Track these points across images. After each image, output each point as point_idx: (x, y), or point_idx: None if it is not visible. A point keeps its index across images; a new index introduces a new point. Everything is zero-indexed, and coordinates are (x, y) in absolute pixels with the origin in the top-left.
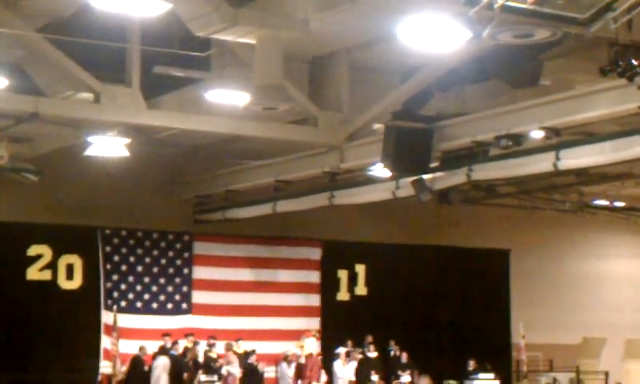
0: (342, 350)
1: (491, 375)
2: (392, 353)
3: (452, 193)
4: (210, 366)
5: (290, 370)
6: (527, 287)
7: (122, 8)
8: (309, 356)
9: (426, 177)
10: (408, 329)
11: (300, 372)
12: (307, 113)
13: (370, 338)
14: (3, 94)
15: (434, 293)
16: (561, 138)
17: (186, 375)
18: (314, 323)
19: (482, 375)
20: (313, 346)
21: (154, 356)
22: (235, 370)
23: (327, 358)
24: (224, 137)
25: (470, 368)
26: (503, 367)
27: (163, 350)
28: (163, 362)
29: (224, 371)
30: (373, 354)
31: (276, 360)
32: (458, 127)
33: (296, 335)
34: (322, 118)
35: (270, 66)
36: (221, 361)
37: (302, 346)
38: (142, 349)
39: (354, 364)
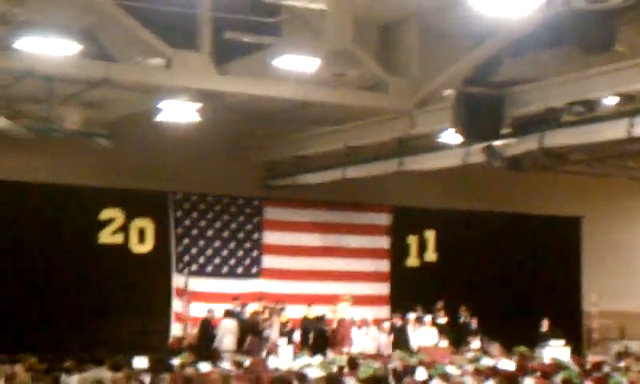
0: (411, 316)
1: (562, 342)
2: (461, 319)
3: (523, 159)
4: (281, 330)
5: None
6: (599, 254)
7: None
8: (341, 321)
9: (497, 143)
10: (478, 295)
11: (333, 337)
12: (377, 78)
13: (440, 304)
14: (75, 59)
15: (504, 260)
16: (635, 105)
17: (249, 339)
18: (383, 289)
19: (552, 342)
20: (346, 311)
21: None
22: (274, 335)
23: (396, 324)
24: (294, 103)
25: (543, 329)
26: (574, 335)
27: (229, 313)
28: (229, 325)
29: (265, 335)
30: (442, 320)
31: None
32: (530, 93)
33: (364, 300)
34: (392, 83)
35: (341, 31)
36: (265, 324)
37: (335, 311)
38: (210, 311)
39: (423, 329)
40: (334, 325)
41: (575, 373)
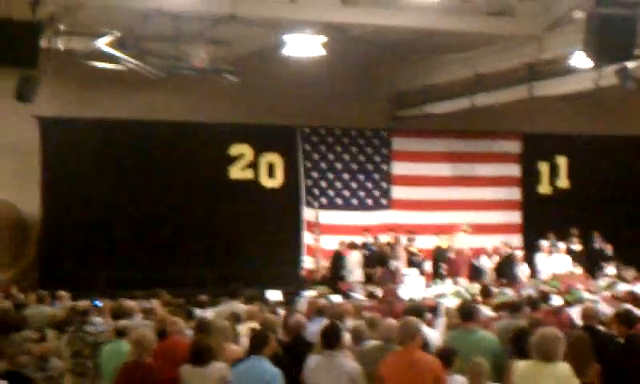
0: (544, 243)
1: None
2: (596, 245)
3: None
4: (412, 260)
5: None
6: None
7: None
8: (459, 251)
9: (630, 65)
10: (612, 220)
11: (450, 267)
12: (504, 3)
13: (575, 231)
14: None
15: (638, 183)
16: None
17: (378, 270)
18: (515, 217)
19: None
20: (463, 240)
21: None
22: (402, 265)
23: (530, 252)
24: (420, 32)
25: None
26: None
27: (354, 245)
28: (355, 258)
29: (392, 266)
30: (577, 246)
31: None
32: None
33: (497, 229)
34: (519, 7)
35: None
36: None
37: (452, 241)
38: (341, 243)
39: (557, 256)
40: (452, 255)
41: None
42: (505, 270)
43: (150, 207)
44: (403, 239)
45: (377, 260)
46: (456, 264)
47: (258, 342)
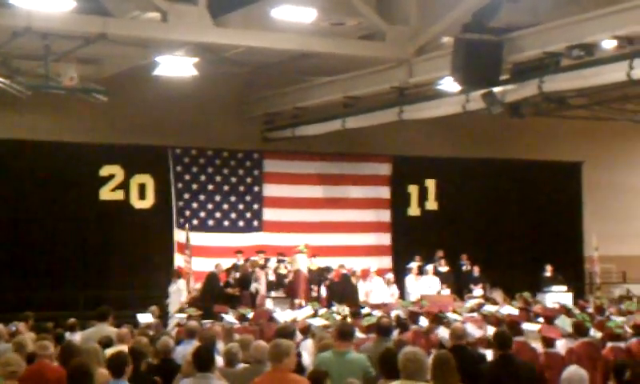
0: (413, 265)
1: (564, 287)
2: (464, 267)
3: (523, 105)
4: (280, 282)
5: None
6: (600, 199)
7: None
8: (297, 272)
9: (496, 89)
10: (480, 243)
11: (289, 290)
12: (375, 27)
13: (440, 253)
14: (71, 15)
15: (505, 206)
16: (634, 47)
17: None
18: (385, 239)
19: (554, 287)
20: (302, 261)
21: (229, 271)
22: (262, 286)
23: (399, 274)
24: (292, 54)
25: (546, 274)
26: (576, 279)
27: (258, 265)
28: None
29: (252, 288)
30: (444, 268)
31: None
32: (528, 38)
33: (367, 251)
34: (390, 32)
35: None
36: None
37: (290, 263)
38: (217, 266)
39: (426, 278)
40: (291, 276)
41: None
42: (338, 290)
43: (18, 228)
44: (273, 261)
45: (238, 283)
46: (295, 285)
47: (117, 364)
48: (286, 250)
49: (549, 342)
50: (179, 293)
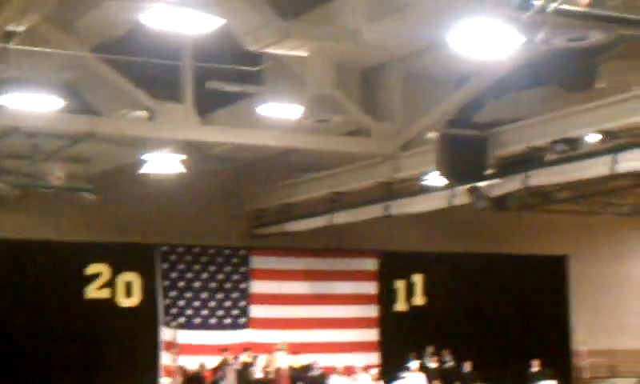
0: (414, 365)
1: (553, 382)
2: (446, 364)
3: (508, 200)
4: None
5: None
6: (587, 293)
7: (175, 26)
8: (277, 370)
9: (481, 184)
10: (468, 338)
11: None
12: (361, 123)
13: (431, 349)
14: (58, 114)
15: (492, 301)
16: (617, 141)
17: None
18: (373, 335)
19: (543, 382)
20: (282, 359)
21: (216, 370)
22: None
23: (387, 370)
24: (278, 150)
25: (534, 369)
26: (564, 374)
27: (227, 364)
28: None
29: None
30: (433, 364)
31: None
32: (512, 133)
33: (354, 347)
34: (375, 128)
35: (323, 77)
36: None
37: (270, 360)
38: (201, 366)
39: (411, 376)
40: (271, 375)
41: None
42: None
43: (2, 327)
44: (261, 359)
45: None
46: (275, 383)
47: None
48: (273, 347)
49: None
50: None
